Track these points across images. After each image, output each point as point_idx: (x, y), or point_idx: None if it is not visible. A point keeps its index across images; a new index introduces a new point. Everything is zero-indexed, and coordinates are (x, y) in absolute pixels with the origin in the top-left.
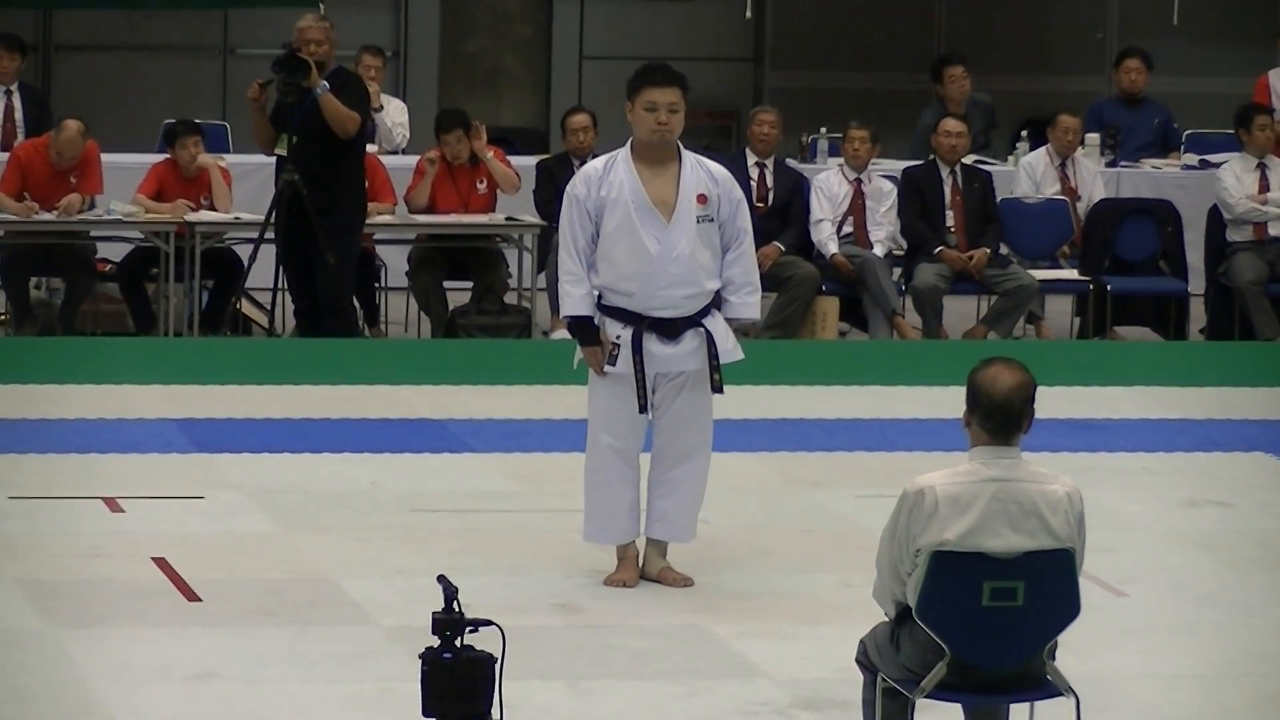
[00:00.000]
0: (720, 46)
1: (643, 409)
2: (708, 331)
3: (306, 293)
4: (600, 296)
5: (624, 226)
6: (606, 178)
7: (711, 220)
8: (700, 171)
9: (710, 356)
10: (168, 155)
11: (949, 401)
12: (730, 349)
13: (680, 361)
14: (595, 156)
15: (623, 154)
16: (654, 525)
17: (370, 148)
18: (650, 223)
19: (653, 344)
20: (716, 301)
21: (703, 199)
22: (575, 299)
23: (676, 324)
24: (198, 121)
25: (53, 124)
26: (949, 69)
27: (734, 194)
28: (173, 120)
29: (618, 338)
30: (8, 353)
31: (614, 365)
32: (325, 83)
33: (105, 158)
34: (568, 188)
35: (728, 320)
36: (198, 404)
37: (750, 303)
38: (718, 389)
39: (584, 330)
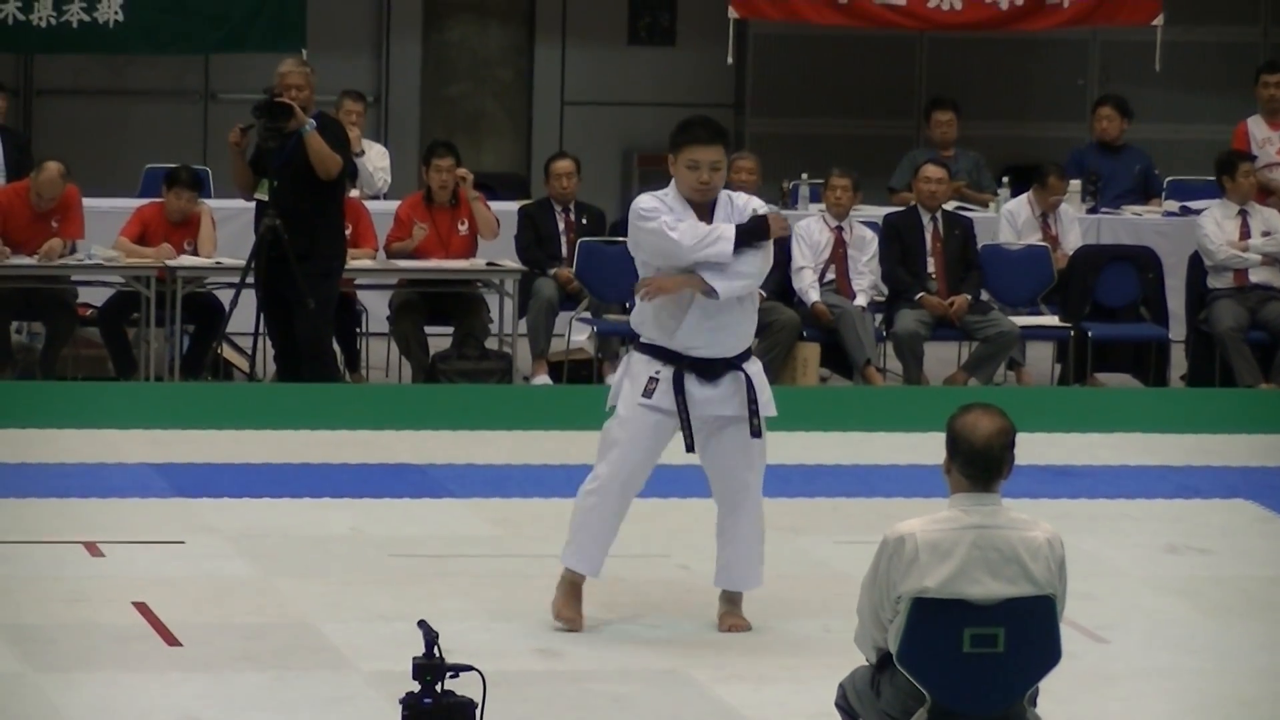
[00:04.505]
0: (701, 92)
1: (689, 448)
2: (747, 377)
3: (287, 337)
4: (638, 335)
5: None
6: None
7: None
8: (730, 209)
9: (750, 401)
10: (160, 199)
11: (929, 447)
12: (766, 401)
13: (716, 405)
14: (578, 202)
15: (671, 194)
16: (718, 574)
17: (352, 193)
18: None
19: (692, 385)
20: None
21: None
22: (721, 226)
23: (715, 365)
24: (195, 167)
25: (34, 168)
26: (936, 112)
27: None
28: (171, 165)
29: (657, 373)
30: None
31: (649, 398)
32: (313, 120)
33: (86, 202)
34: (641, 205)
35: None
36: (178, 449)
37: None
38: (756, 433)
39: (745, 230)
